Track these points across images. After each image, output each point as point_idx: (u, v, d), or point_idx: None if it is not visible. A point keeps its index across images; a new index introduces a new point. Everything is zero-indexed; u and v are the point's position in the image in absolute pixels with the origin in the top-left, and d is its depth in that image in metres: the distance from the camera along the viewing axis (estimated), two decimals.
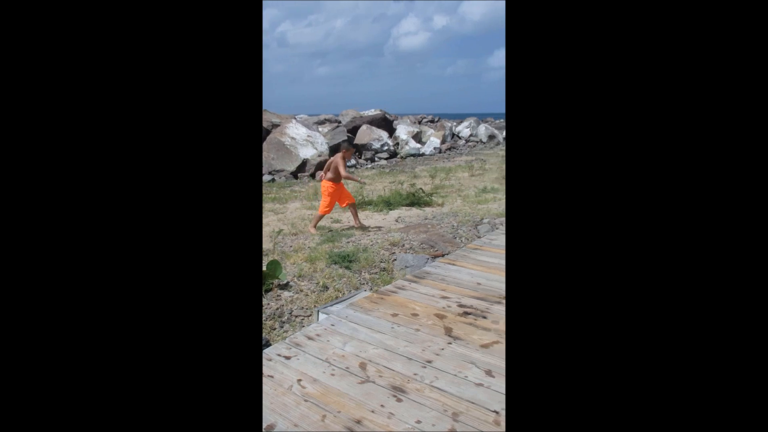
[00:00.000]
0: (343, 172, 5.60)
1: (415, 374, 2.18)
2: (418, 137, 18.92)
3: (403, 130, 18.56)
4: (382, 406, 1.93)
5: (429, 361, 2.29)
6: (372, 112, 18.49)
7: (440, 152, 18.37)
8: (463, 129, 23.01)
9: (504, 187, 8.72)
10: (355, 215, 5.93)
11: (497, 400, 1.96)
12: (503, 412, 1.88)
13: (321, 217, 5.89)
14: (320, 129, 15.12)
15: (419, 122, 22.06)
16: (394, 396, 2.00)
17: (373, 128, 17.12)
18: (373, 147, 16.45)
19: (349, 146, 6.08)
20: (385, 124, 18.46)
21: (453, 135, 22.15)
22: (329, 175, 5.68)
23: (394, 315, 2.85)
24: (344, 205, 5.91)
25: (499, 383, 2.09)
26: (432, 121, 23.20)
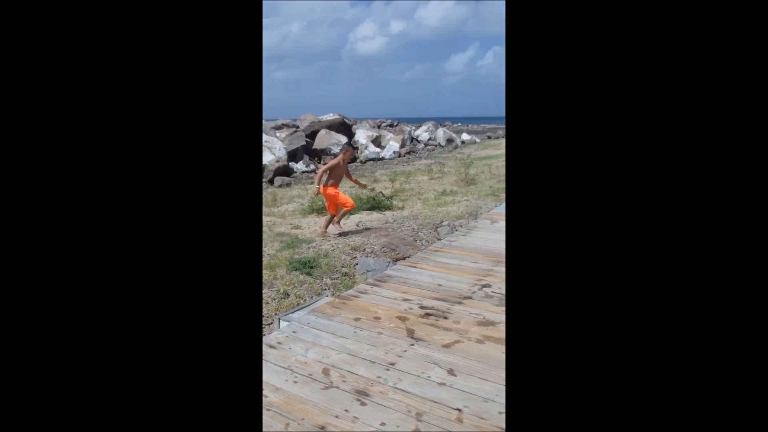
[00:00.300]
0: (320, 171, 5.44)
1: (378, 377, 2.18)
2: (377, 141, 18.99)
3: (362, 135, 18.58)
4: (346, 410, 1.93)
5: (392, 364, 2.30)
6: (330, 117, 18.41)
7: (400, 156, 18.49)
8: (422, 133, 23.28)
9: (462, 190, 8.88)
10: (328, 223, 5.82)
11: (460, 398, 2.00)
12: (466, 410, 1.92)
13: (345, 213, 5.70)
14: (278, 134, 14.93)
15: (378, 127, 22.15)
16: (358, 400, 2.00)
17: (332, 133, 17.04)
18: (332, 152, 16.35)
19: (349, 147, 5.71)
20: (344, 128, 18.42)
21: (412, 139, 22.36)
22: (331, 181, 5.52)
23: (357, 319, 2.85)
24: (329, 209, 5.73)
25: (461, 381, 2.13)
26: (391, 126, 23.36)
